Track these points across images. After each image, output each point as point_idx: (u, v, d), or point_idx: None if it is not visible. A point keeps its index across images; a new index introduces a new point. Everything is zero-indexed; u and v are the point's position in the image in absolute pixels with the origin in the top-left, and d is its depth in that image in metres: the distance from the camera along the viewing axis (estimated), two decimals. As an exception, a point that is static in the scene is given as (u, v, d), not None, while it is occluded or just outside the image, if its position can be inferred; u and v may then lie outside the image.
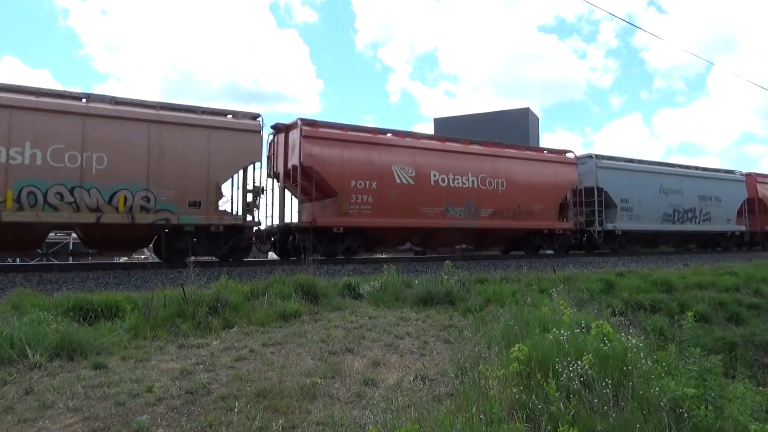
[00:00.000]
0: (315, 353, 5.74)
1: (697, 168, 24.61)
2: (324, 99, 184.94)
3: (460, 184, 16.23)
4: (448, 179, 16.00)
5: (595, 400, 3.89)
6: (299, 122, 14.23)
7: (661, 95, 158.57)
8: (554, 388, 3.86)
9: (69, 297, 6.88)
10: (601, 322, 5.36)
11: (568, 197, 19.64)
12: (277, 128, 15.21)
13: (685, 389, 4.01)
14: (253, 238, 14.13)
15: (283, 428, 3.83)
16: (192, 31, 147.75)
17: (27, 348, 5.00)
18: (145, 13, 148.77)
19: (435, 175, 15.78)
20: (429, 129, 50.69)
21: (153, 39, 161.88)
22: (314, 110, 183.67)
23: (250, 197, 13.72)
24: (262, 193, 14.22)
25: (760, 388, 5.23)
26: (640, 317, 9.23)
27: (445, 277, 9.53)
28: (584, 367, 4.23)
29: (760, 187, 26.67)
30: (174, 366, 5.18)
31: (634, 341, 4.89)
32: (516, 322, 6.16)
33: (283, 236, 14.56)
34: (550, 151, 19.60)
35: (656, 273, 12.84)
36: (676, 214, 22.12)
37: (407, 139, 16.05)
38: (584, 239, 20.63)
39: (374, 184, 14.61)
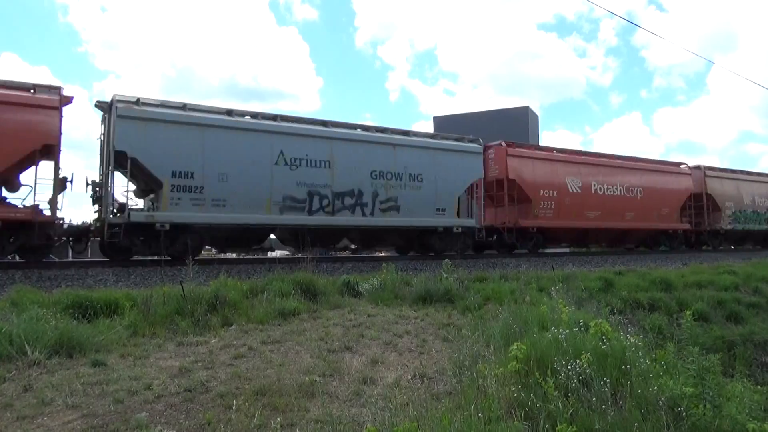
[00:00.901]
0: (314, 351, 5.74)
1: (376, 129, 15.66)
2: (324, 97, 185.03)
3: None
4: None
5: (594, 399, 3.90)
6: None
7: (661, 94, 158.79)
8: (553, 387, 3.87)
9: (68, 294, 6.89)
10: (600, 320, 5.38)
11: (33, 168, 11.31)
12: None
13: (684, 388, 4.02)
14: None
15: (281, 426, 3.83)
16: (191, 29, 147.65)
17: (26, 345, 5.00)
18: (145, 10, 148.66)
19: None
20: (429, 127, 50.41)
21: (152, 36, 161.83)
22: (314, 108, 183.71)
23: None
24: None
25: (759, 386, 5.24)
26: (638, 316, 9.25)
27: (445, 275, 9.53)
28: (583, 365, 4.24)
29: (513, 163, 17.70)
30: (173, 364, 5.18)
31: (632, 340, 4.90)
32: (515, 320, 6.17)
33: None
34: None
35: (655, 272, 12.85)
36: (317, 199, 13.84)
37: None
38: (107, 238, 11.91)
39: None
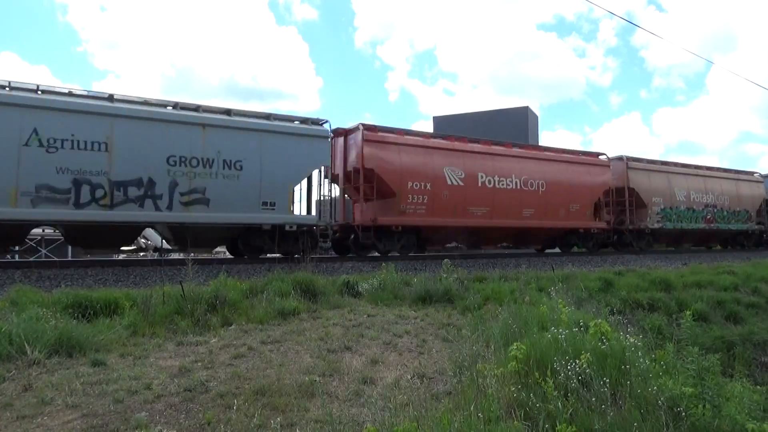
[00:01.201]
0: (313, 351, 5.74)
1: (182, 107, 12.65)
2: (323, 97, 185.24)
3: None
4: None
5: (593, 399, 3.90)
6: None
7: (661, 94, 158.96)
8: (552, 387, 3.87)
9: (68, 293, 6.89)
10: (600, 320, 5.39)
11: None
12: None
13: (683, 388, 4.03)
14: None
15: (281, 426, 3.83)
16: (191, 28, 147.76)
17: (26, 344, 5.00)
18: (144, 10, 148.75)
19: None
20: (429, 127, 50.73)
21: (152, 36, 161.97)
22: (314, 108, 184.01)
23: None
24: None
25: (758, 386, 5.24)
26: (638, 316, 9.26)
27: (444, 275, 9.54)
28: (582, 365, 4.24)
29: (371, 150, 15.03)
30: (173, 363, 5.18)
31: (632, 340, 4.90)
32: (514, 320, 6.17)
33: None
34: None
35: (655, 272, 12.86)
36: (86, 189, 11.14)
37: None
38: None
39: None
